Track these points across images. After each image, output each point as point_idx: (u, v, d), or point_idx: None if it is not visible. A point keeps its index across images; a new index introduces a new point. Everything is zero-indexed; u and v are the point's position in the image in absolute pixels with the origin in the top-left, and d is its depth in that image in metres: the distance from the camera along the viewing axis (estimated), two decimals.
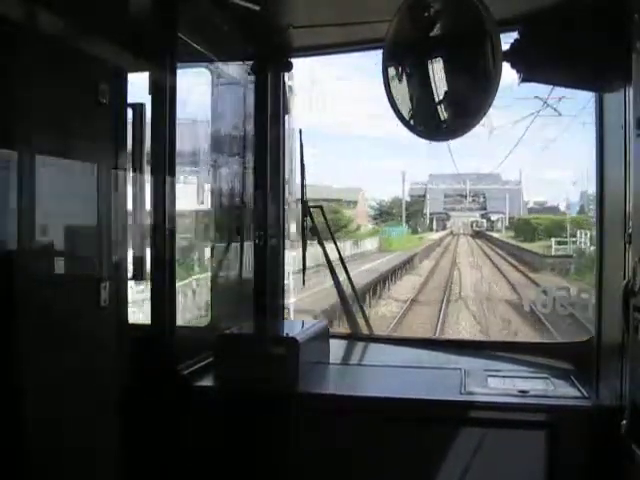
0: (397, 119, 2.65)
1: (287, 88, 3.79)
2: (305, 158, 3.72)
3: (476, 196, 53.13)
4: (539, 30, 2.64)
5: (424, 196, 52.65)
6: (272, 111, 3.76)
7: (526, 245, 34.53)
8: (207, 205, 3.56)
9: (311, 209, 3.78)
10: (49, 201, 2.30)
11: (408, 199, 53.30)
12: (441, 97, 2.58)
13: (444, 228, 53.54)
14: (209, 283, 3.67)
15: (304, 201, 3.78)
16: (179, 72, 2.89)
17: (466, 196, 53.28)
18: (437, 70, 2.56)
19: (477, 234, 48.94)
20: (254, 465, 2.84)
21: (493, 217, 52.42)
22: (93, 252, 2.53)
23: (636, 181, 2.29)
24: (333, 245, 4.03)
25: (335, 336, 3.72)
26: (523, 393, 2.79)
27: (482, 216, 53.89)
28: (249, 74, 3.71)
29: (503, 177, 52.06)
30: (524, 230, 40.58)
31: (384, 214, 51.47)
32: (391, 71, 2.65)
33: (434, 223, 53.12)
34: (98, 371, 2.52)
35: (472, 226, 53.14)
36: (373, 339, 3.88)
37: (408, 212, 51.10)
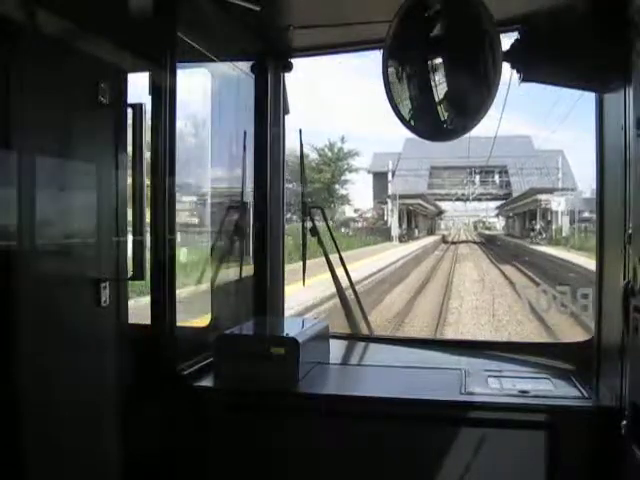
0: (397, 119, 2.66)
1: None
2: None
3: (490, 173, 28.79)
4: (539, 30, 2.64)
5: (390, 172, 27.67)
6: (272, 111, 3.76)
7: None
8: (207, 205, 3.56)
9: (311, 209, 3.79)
10: (49, 200, 2.30)
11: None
12: (441, 97, 2.58)
13: (431, 232, 30.95)
14: (209, 283, 3.67)
15: (304, 201, 3.79)
16: (179, 72, 2.89)
17: (473, 173, 28.40)
18: (437, 70, 2.56)
19: (497, 250, 25.07)
20: (254, 465, 2.84)
21: (555, 204, 26.29)
22: (93, 251, 2.53)
23: (636, 181, 2.28)
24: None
25: (335, 336, 3.72)
26: (523, 393, 2.79)
27: (499, 210, 30.09)
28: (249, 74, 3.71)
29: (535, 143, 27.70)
30: None
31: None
32: (391, 71, 2.66)
33: (393, 226, 27.80)
34: (98, 371, 2.52)
35: (476, 228, 33.36)
36: (373, 339, 3.89)
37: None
